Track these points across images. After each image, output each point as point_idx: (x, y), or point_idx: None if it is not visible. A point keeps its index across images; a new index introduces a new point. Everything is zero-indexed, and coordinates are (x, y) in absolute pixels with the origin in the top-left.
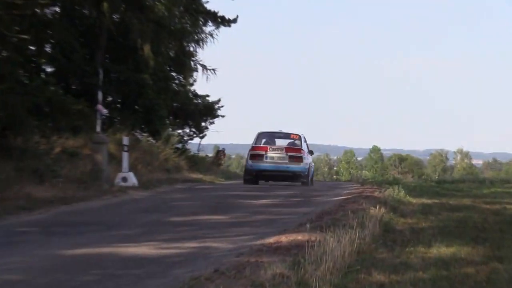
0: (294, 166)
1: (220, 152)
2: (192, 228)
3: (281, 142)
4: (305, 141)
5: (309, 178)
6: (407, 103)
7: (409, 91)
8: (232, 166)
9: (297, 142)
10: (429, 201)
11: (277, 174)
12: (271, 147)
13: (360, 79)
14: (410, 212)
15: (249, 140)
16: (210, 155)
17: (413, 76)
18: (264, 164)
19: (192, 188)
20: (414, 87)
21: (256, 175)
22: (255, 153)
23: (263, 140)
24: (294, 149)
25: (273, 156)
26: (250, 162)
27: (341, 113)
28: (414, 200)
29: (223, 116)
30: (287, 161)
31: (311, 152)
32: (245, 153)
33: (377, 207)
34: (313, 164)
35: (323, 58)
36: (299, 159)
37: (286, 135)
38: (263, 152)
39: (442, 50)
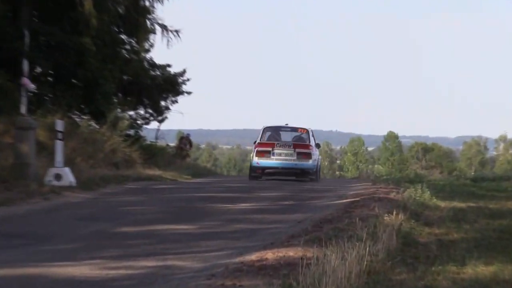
0: (303, 163)
1: (183, 139)
2: (149, 242)
3: (287, 137)
4: (313, 135)
5: (318, 174)
6: (434, 78)
7: (435, 62)
8: (202, 159)
9: (304, 136)
10: (462, 204)
11: (284, 171)
12: (278, 143)
13: (370, 46)
14: (438, 220)
15: (226, 125)
16: (172, 144)
17: (438, 44)
18: (271, 161)
19: (148, 188)
20: (440, 57)
21: (262, 172)
22: (261, 150)
23: (268, 134)
24: (302, 145)
25: (281, 153)
26: (256, 159)
27: (346, 90)
28: (442, 204)
29: (189, 93)
30: (295, 158)
31: (317, 146)
32: (219, 141)
33: (394, 212)
34: (320, 157)
35: (318, 20)
36: (308, 155)
37: (293, 129)
38: (270, 149)
39: (482, 16)
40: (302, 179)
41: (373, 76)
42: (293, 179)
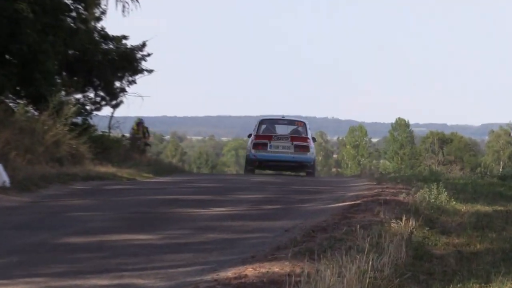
0: (300, 156)
1: (139, 126)
2: (101, 255)
3: (284, 130)
4: (309, 128)
5: (314, 168)
6: (452, 53)
7: (454, 34)
8: (166, 153)
9: (301, 129)
10: (487, 208)
11: (281, 164)
12: (275, 136)
13: (371, 17)
14: (457, 227)
15: (196, 111)
16: (128, 135)
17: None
18: (268, 154)
19: (99, 189)
20: (460, 28)
21: (259, 165)
22: (258, 142)
23: (263, 127)
24: (300, 138)
25: (278, 145)
26: (253, 151)
27: (344, 69)
28: (463, 208)
29: (150, 72)
30: (292, 151)
31: (313, 139)
32: (188, 131)
33: (403, 218)
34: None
35: None
36: (305, 148)
37: (290, 122)
38: (267, 141)
39: None
40: (299, 173)
41: (376, 51)
42: (286, 174)
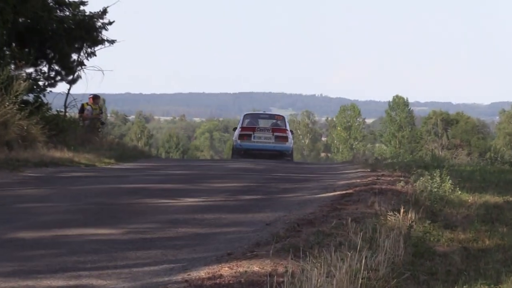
0: (280, 145)
1: (96, 101)
2: (56, 252)
3: (266, 123)
4: (287, 122)
5: (292, 155)
6: (458, 22)
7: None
8: (130, 135)
9: (280, 122)
10: (497, 198)
11: (263, 152)
12: (258, 128)
13: None
14: (463, 220)
15: (164, 88)
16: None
17: None
18: (252, 144)
19: (54, 177)
20: None
21: (244, 153)
22: (243, 133)
23: (247, 120)
24: (280, 130)
25: (260, 136)
26: (239, 141)
27: (334, 40)
28: (470, 198)
29: (112, 42)
30: (273, 141)
31: (291, 132)
32: (156, 110)
33: (402, 210)
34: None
35: None
36: (285, 138)
37: (271, 116)
38: (251, 133)
39: None
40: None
41: (372, 20)
42: (269, 161)
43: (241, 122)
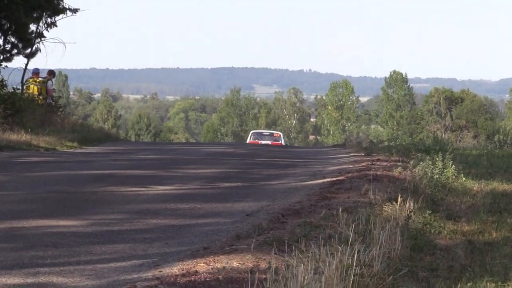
0: None
1: (51, 76)
2: (11, 246)
3: (267, 138)
4: (283, 137)
5: None
6: None
7: None
8: (95, 116)
9: (277, 138)
10: (506, 186)
11: None
12: (261, 142)
13: None
14: (467, 210)
15: (134, 63)
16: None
17: None
18: None
19: (10, 162)
20: None
21: None
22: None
23: (253, 136)
24: (276, 144)
25: None
26: None
27: (323, 9)
28: (475, 185)
29: (74, 12)
30: None
31: (286, 145)
32: (124, 88)
33: (399, 199)
34: None
35: None
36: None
37: (271, 134)
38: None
39: None
40: None
41: None
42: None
43: (249, 137)
